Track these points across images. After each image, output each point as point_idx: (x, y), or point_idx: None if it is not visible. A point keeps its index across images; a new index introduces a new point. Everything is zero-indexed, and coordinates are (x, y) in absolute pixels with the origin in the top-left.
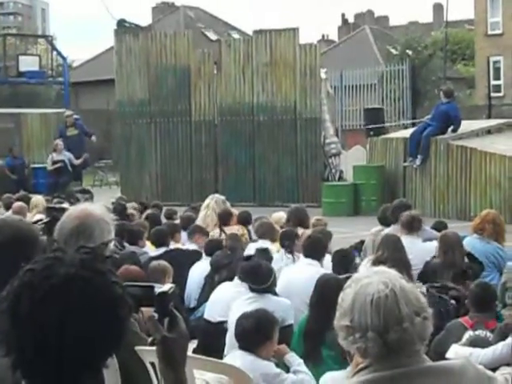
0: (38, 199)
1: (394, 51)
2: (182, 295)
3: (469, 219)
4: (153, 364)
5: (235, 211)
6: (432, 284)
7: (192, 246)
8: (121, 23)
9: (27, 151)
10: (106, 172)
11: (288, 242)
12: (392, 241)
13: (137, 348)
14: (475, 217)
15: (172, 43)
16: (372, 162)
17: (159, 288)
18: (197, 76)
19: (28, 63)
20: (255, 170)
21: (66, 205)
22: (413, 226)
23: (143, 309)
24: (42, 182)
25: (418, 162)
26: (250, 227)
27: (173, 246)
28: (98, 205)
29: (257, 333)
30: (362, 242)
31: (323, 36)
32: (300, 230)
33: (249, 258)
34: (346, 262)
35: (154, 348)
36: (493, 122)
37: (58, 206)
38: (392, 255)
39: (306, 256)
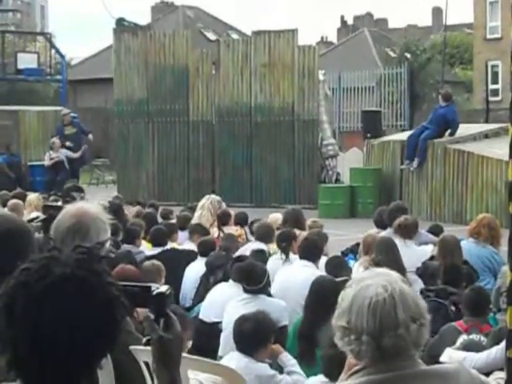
0: (31, 197)
1: (392, 54)
2: (177, 295)
3: (465, 223)
4: (146, 363)
5: (232, 212)
6: (429, 287)
7: (189, 246)
8: (120, 22)
9: (24, 149)
10: (103, 171)
11: (285, 244)
12: (387, 244)
13: (131, 347)
14: (471, 221)
15: (171, 43)
16: (369, 164)
17: (156, 288)
18: (195, 76)
19: (26, 60)
20: (252, 170)
21: (60, 203)
22: (408, 231)
23: (138, 309)
24: (39, 180)
25: (414, 164)
26: (247, 228)
27: (169, 245)
28: (94, 203)
29: (256, 336)
30: (358, 245)
31: (322, 38)
32: (296, 232)
33: (240, 258)
34: (339, 270)
35: (147, 348)
36: (490, 126)
37: (54, 204)
38: (386, 258)
39: (302, 258)
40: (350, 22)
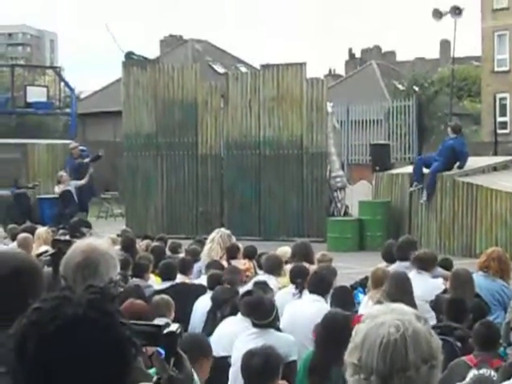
0: (40, 231)
1: (400, 87)
2: (186, 329)
3: (474, 256)
4: None
5: (240, 245)
6: (434, 324)
7: (200, 280)
8: (129, 55)
9: (33, 182)
10: (111, 204)
11: (300, 280)
12: (401, 278)
13: None
14: (481, 254)
15: (179, 76)
16: (378, 197)
17: (166, 326)
18: (204, 109)
19: (36, 94)
20: (261, 203)
21: (68, 237)
22: (426, 264)
23: None
24: (48, 213)
25: (424, 197)
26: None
27: (179, 280)
28: (103, 238)
29: (264, 371)
30: (367, 278)
31: (330, 70)
32: (305, 265)
33: (249, 292)
34: (344, 300)
35: None
36: (499, 159)
37: (63, 238)
38: (398, 291)
39: (311, 292)
40: (357, 54)
